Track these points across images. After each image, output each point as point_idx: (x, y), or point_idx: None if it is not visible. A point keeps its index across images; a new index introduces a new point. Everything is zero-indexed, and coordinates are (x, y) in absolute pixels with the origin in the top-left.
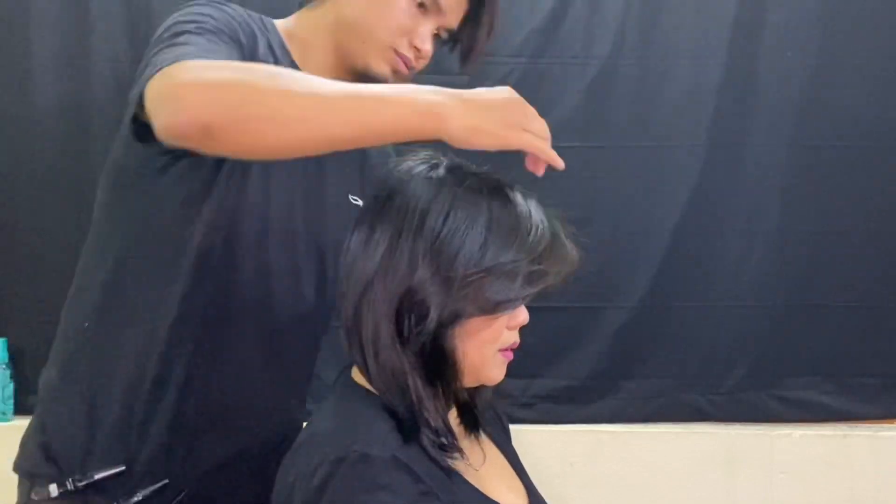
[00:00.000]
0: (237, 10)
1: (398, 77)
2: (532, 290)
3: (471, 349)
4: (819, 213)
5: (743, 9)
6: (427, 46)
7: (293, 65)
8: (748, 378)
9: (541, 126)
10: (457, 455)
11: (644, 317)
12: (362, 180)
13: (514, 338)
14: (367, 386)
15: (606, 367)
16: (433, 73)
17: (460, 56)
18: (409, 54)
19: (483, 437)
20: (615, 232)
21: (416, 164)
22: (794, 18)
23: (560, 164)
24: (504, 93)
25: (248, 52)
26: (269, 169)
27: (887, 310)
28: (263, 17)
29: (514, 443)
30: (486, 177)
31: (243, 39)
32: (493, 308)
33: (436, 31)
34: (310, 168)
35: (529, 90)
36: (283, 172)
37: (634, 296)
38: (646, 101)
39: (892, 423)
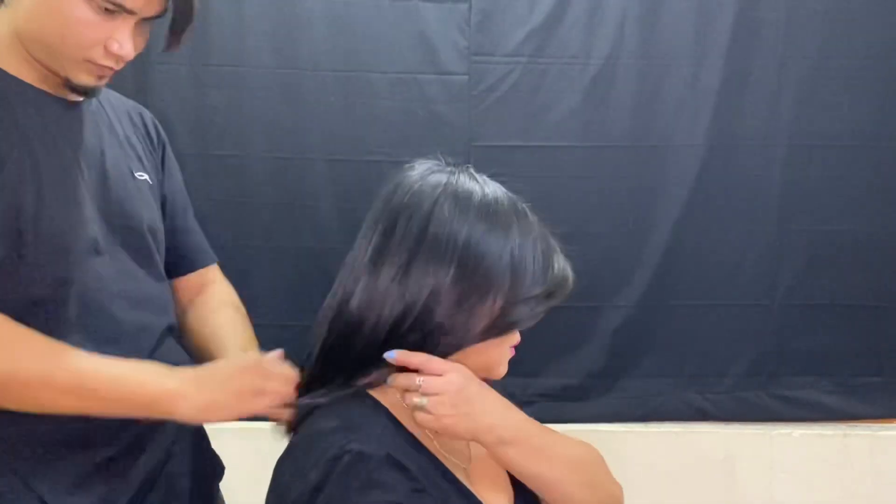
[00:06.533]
0: None
1: (106, 81)
2: (544, 309)
3: (493, 351)
4: (818, 212)
5: (742, 9)
6: (126, 50)
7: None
8: (747, 377)
9: (278, 381)
10: (449, 454)
11: (643, 316)
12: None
13: (518, 335)
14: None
15: (605, 366)
16: (433, 73)
17: (170, 31)
18: (109, 62)
19: None
20: (614, 231)
21: (427, 174)
22: (793, 18)
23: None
24: (239, 363)
25: None
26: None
27: (887, 310)
28: None
29: None
30: (503, 199)
31: None
32: (510, 329)
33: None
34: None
35: (529, 90)
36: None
37: (633, 295)
38: (646, 101)
39: (892, 423)
